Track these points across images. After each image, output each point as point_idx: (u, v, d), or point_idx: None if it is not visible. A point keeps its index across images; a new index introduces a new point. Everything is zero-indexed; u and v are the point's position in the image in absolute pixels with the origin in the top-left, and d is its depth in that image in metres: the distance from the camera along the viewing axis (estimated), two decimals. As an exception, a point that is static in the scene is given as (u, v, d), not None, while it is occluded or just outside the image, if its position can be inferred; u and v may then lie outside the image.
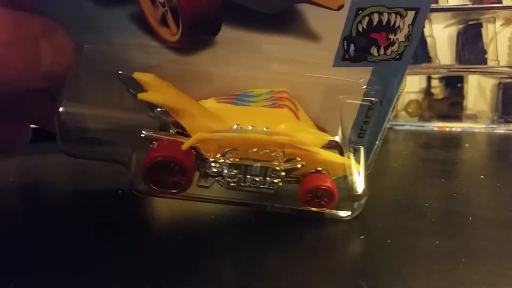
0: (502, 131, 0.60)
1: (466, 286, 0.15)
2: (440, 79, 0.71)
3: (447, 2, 0.63)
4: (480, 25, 0.64)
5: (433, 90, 0.71)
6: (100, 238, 0.19)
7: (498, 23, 0.64)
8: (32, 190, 0.28)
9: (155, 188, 0.20)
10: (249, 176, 0.20)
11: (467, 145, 0.52)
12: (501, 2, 0.60)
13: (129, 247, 0.18)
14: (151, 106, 0.19)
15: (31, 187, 0.28)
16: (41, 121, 0.24)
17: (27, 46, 0.16)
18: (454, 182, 0.31)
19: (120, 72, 0.20)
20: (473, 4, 0.60)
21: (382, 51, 0.21)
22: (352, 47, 0.21)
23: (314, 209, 0.21)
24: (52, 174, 0.33)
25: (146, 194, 0.20)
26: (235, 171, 0.20)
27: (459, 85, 0.69)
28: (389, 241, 0.19)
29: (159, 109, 0.19)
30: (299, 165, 0.20)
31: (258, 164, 0.20)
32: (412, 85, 0.71)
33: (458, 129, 0.61)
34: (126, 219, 0.22)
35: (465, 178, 0.34)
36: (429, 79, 0.71)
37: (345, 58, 0.21)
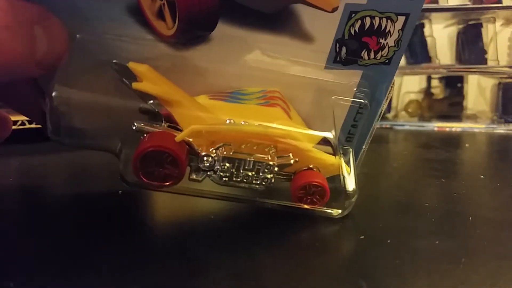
0: (502, 131, 0.60)
1: (466, 286, 0.15)
2: (440, 79, 0.71)
3: (447, 2, 0.63)
4: (480, 25, 0.64)
5: (433, 90, 0.71)
6: (100, 238, 0.19)
7: (498, 23, 0.64)
8: (32, 190, 0.28)
9: (146, 180, 0.19)
10: (242, 171, 0.20)
11: (467, 145, 0.52)
12: (501, 2, 0.60)
13: (128, 247, 0.18)
14: (144, 97, 0.19)
15: (31, 187, 0.28)
16: (26, 111, 0.24)
17: (23, 32, 0.16)
18: (454, 182, 0.31)
19: (114, 61, 0.20)
20: (473, 4, 0.60)
21: (372, 55, 0.21)
22: (344, 49, 0.21)
23: (306, 206, 0.21)
24: (52, 174, 0.33)
25: (136, 186, 0.20)
26: (227, 165, 0.20)
27: (459, 85, 0.69)
28: (389, 241, 0.19)
29: (152, 101, 0.19)
30: (292, 161, 0.20)
31: (252, 159, 0.20)
32: (412, 85, 0.71)
33: (458, 129, 0.61)
34: (126, 219, 0.22)
35: (465, 178, 0.34)
36: (429, 79, 0.71)
37: (336, 60, 0.21)
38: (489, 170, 0.37)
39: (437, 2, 0.63)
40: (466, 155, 0.45)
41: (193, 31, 0.20)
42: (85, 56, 0.20)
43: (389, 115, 0.68)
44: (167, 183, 0.19)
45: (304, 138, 0.21)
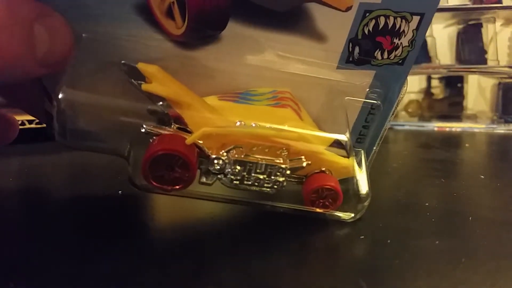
0: (502, 131, 0.60)
1: (466, 286, 0.15)
2: (440, 79, 0.71)
3: (447, 2, 0.63)
4: (480, 25, 0.64)
5: (433, 90, 0.71)
6: (100, 239, 0.19)
7: (498, 23, 0.64)
8: (32, 190, 0.28)
9: (156, 184, 0.19)
10: (253, 174, 0.19)
11: (467, 145, 0.52)
12: (501, 2, 0.60)
13: (129, 248, 0.18)
14: (153, 98, 0.19)
15: (31, 187, 0.28)
16: (31, 110, 0.24)
17: (21, 31, 0.16)
18: (454, 182, 0.31)
19: (123, 62, 0.19)
20: (473, 4, 0.60)
21: (386, 55, 0.21)
22: (357, 49, 0.21)
23: (318, 210, 0.21)
24: (52, 174, 0.33)
25: (145, 189, 0.20)
26: (238, 168, 0.19)
27: (459, 85, 0.69)
28: (389, 241, 0.19)
29: (161, 103, 0.19)
30: (304, 164, 0.20)
31: (263, 162, 0.19)
32: (412, 85, 0.71)
33: (458, 129, 0.61)
34: (126, 219, 0.22)
35: (465, 178, 0.34)
36: (429, 79, 0.71)
37: (349, 60, 0.21)
38: (489, 170, 0.37)
39: (437, 2, 0.63)
40: (466, 155, 0.45)
41: (203, 30, 0.20)
42: (92, 56, 0.20)
43: (389, 115, 0.68)
44: (177, 187, 0.19)
45: (316, 140, 0.21)
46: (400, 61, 0.21)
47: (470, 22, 0.65)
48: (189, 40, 0.20)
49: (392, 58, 0.21)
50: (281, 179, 0.20)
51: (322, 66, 0.21)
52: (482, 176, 0.32)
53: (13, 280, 0.15)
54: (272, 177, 0.20)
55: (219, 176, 0.20)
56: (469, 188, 0.29)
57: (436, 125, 0.62)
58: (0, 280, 0.15)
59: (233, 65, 0.21)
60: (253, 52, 0.21)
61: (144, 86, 0.19)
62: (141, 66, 0.19)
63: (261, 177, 0.20)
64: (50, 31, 0.17)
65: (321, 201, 0.21)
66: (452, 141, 0.54)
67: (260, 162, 0.19)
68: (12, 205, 0.25)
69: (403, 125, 0.63)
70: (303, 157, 0.20)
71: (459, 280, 0.16)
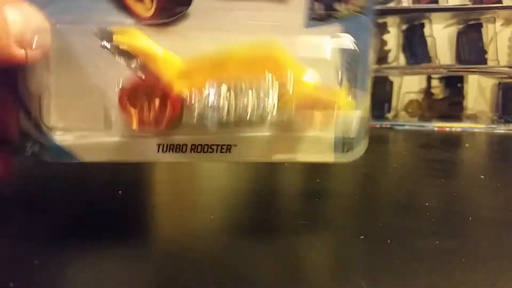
0: (502, 131, 0.60)
1: (466, 286, 0.15)
2: (440, 79, 0.71)
3: (447, 2, 0.63)
4: (480, 25, 0.64)
5: (433, 90, 0.71)
6: (100, 239, 0.19)
7: (498, 23, 0.64)
8: (32, 190, 0.28)
9: (135, 115, 0.19)
10: (240, 105, 0.19)
11: (467, 145, 0.52)
12: (501, 2, 0.60)
13: (128, 248, 0.18)
14: (126, 57, 0.19)
15: (31, 187, 0.28)
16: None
17: None
18: (454, 182, 0.31)
19: (96, 27, 0.20)
20: (473, 4, 0.61)
21: (345, 6, 0.21)
22: (318, 5, 0.21)
23: (313, 126, 0.20)
24: (52, 174, 0.33)
25: (127, 136, 0.19)
26: (222, 100, 0.19)
27: (459, 85, 0.69)
28: (389, 241, 0.19)
29: (135, 63, 0.19)
30: (290, 88, 0.19)
31: (248, 87, 0.19)
32: (412, 85, 0.71)
33: (458, 129, 0.61)
34: (126, 219, 0.22)
35: (465, 178, 0.34)
36: (429, 79, 0.71)
37: (314, 18, 0.21)
38: (489, 170, 0.37)
39: (437, 2, 0.63)
40: (466, 155, 0.45)
41: (172, 9, 0.20)
42: (65, 45, 0.20)
43: (389, 115, 0.68)
44: (160, 121, 0.19)
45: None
46: (361, 10, 0.21)
47: (470, 22, 0.65)
48: (159, 21, 0.21)
49: (352, 8, 0.21)
50: (269, 103, 0.19)
51: (290, 28, 0.21)
52: (482, 176, 0.32)
53: (13, 280, 0.15)
54: (261, 104, 0.19)
55: (205, 116, 0.19)
56: (469, 188, 0.29)
57: (436, 125, 0.62)
58: (0, 280, 0.15)
59: (205, 39, 0.21)
60: (222, 23, 0.21)
61: (116, 38, 0.19)
62: (115, 28, 0.20)
63: (249, 105, 0.19)
64: (21, 13, 0.17)
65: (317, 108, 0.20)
66: (452, 141, 0.54)
67: (244, 87, 0.19)
68: (12, 205, 0.25)
69: (403, 125, 0.63)
70: (290, 75, 0.20)
71: (459, 280, 0.16)
